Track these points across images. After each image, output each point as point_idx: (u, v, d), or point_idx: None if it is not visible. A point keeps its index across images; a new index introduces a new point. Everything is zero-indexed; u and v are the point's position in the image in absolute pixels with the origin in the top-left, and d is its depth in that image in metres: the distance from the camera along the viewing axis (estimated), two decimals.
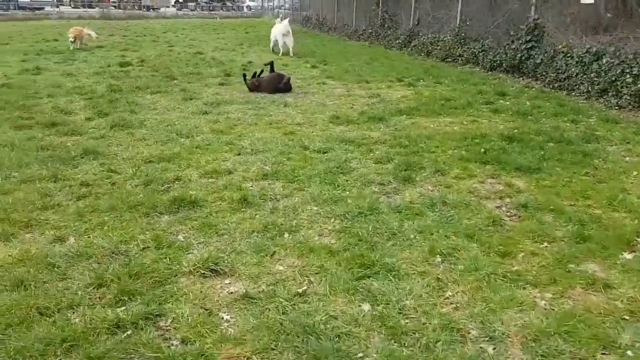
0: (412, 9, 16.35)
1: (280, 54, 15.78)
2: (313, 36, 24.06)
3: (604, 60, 8.13)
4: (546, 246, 3.45)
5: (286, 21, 16.36)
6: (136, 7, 52.37)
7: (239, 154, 5.35)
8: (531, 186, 4.46)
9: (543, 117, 6.95)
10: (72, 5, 53.21)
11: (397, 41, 16.86)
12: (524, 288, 2.97)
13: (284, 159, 5.10)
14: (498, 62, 11.25)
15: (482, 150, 5.24)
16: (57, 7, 45.28)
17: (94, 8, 49.14)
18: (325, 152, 5.38)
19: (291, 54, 15.65)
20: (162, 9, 53.64)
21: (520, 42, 10.39)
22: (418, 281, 2.97)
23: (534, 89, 9.28)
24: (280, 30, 15.93)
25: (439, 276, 3.03)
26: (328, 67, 12.63)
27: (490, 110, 7.41)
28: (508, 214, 3.94)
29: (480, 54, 12.07)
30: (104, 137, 5.95)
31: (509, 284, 2.98)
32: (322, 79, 10.80)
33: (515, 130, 6.17)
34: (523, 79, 10.28)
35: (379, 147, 5.58)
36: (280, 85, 9.00)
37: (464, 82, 9.98)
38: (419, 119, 6.94)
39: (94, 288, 2.85)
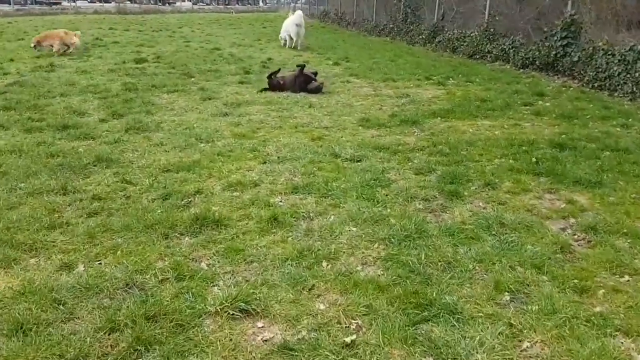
0: (437, 4, 15.75)
1: (293, 46, 15.40)
2: (332, 31, 23.55)
3: None
4: (628, 280, 2.96)
5: (299, 12, 15.96)
6: (152, 2, 52.21)
7: (265, 162, 4.90)
8: (595, 203, 3.95)
9: (590, 121, 6.40)
10: (89, 0, 53.24)
11: (421, 37, 16.30)
12: (614, 336, 2.48)
13: (315, 169, 4.63)
14: (530, 59, 10.67)
15: (534, 159, 4.72)
16: (74, 1, 45.11)
17: (110, 3, 49.08)
18: (358, 161, 4.91)
19: (298, 47, 15.37)
20: (178, 3, 53.40)
21: (556, 38, 9.81)
22: (487, 327, 2.50)
23: (572, 89, 8.71)
24: (293, 20, 15.58)
25: (511, 321, 2.55)
26: (351, 64, 12.13)
27: (531, 112, 6.87)
28: (575, 237, 3.44)
29: (511, 50, 11.49)
30: (119, 142, 5.54)
31: (595, 332, 2.49)
32: (346, 77, 10.31)
33: (563, 136, 5.63)
34: (559, 78, 9.69)
35: (417, 155, 5.09)
36: (309, 87, 8.50)
37: (497, 81, 9.42)
38: (455, 122, 6.43)
39: (105, 333, 2.41)
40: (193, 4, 55.08)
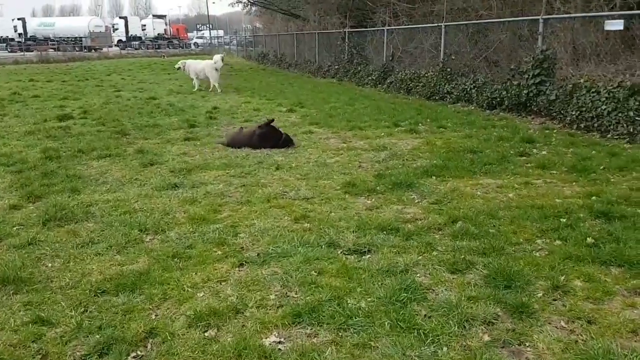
0: (385, 44, 15.16)
1: (211, 90, 14.93)
2: (274, 73, 22.66)
3: None
4: None
5: (218, 56, 15.29)
6: (76, 49, 49.67)
7: (241, 265, 3.60)
8: None
9: (608, 174, 5.55)
10: (9, 50, 49.96)
11: (370, 77, 15.63)
12: None
13: (314, 273, 3.39)
14: (497, 99, 10.03)
15: (588, 239, 3.70)
16: None
17: (32, 51, 46.21)
18: (366, 253, 3.72)
19: (216, 90, 14.89)
20: (105, 49, 51.18)
21: (527, 76, 9.20)
22: None
23: (555, 131, 8.02)
24: (212, 64, 15.12)
25: None
26: (307, 110, 11.10)
27: (534, 165, 5.98)
28: None
29: (473, 90, 10.86)
30: (33, 244, 4.06)
31: None
32: (306, 126, 9.22)
33: (594, 198, 4.70)
34: (534, 119, 9.05)
35: (436, 237, 3.96)
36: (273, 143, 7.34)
37: (471, 126, 8.62)
38: (455, 183, 5.41)
39: None
40: (121, 49, 53.01)
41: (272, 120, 7.81)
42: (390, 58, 14.99)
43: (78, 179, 5.98)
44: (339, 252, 3.73)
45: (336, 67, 18.43)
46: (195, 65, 15.51)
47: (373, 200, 4.99)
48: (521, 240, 3.84)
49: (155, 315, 2.97)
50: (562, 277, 3.20)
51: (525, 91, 9.26)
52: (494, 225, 4.12)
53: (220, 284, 3.33)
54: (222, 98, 13.63)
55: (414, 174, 5.72)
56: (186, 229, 4.36)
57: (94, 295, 3.21)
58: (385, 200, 4.96)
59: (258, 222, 4.41)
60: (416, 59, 15.15)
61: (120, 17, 66.60)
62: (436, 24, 12.78)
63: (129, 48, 54.34)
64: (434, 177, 5.62)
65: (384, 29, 15.27)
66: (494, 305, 2.92)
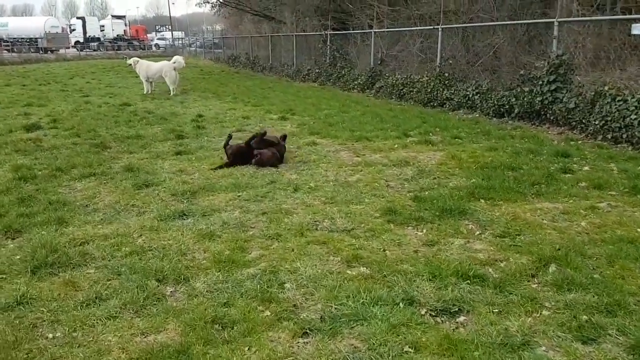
0: (372, 47, 14.51)
1: (173, 93, 14.35)
2: (249, 77, 21.73)
3: None
4: None
5: (179, 57, 14.64)
6: (32, 50, 47.09)
7: (305, 335, 2.81)
8: None
9: None
10: None
11: (356, 82, 14.94)
12: None
13: (409, 350, 2.61)
14: (506, 107, 9.50)
15: None
16: None
17: None
18: (457, 313, 2.98)
19: (172, 93, 14.29)
20: (62, 50, 48.73)
21: (541, 82, 8.69)
22: None
23: (580, 142, 7.52)
24: (169, 64, 14.48)
25: None
26: (300, 118, 10.31)
27: (587, 184, 5.37)
28: None
29: (476, 97, 10.31)
30: (24, 304, 3.14)
31: None
32: (307, 136, 8.44)
33: None
34: (550, 128, 8.55)
35: (534, 287, 3.25)
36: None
37: (487, 136, 8.04)
38: (509, 207, 4.75)
39: None
40: (79, 50, 50.63)
41: (264, 133, 6.99)
42: (379, 62, 14.35)
43: (63, 205, 5.03)
44: (425, 313, 2.98)
45: (317, 70, 17.68)
46: (149, 67, 14.59)
47: (425, 231, 4.26)
48: (637, 289, 3.18)
49: None
50: None
51: (539, 98, 8.75)
52: (593, 268, 3.45)
53: None
54: (204, 104, 12.67)
55: (458, 196, 5.03)
56: (214, 276, 3.52)
57: None
58: (439, 232, 4.24)
59: (301, 266, 3.62)
60: (402, 62, 14.60)
61: (77, 18, 63.73)
62: (432, 27, 12.20)
63: (87, 50, 51.97)
64: (482, 201, 4.95)
65: (371, 32, 14.63)
66: None
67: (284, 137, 7.24)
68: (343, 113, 10.74)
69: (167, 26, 74.72)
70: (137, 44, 61.52)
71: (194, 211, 4.85)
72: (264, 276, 3.49)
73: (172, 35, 63.78)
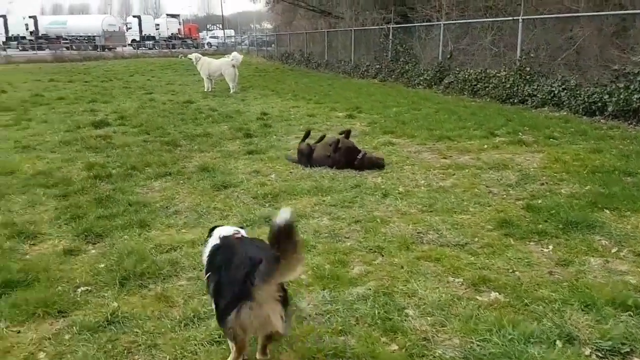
0: (441, 40, 13.82)
1: (209, 90, 14.30)
2: (305, 74, 21.39)
3: None
4: None
5: (237, 54, 14.60)
6: (90, 48, 48.58)
7: None
8: None
9: None
10: (20, 48, 48.96)
11: (422, 78, 14.28)
12: None
13: None
14: (598, 104, 8.69)
15: None
16: (4, 50, 40.98)
17: (44, 50, 45.20)
18: (628, 354, 2.45)
19: (233, 90, 14.02)
20: (119, 49, 50.03)
21: None
22: None
23: None
24: (227, 61, 14.32)
25: None
26: (368, 116, 9.82)
27: None
28: None
29: (562, 93, 9.52)
30: (115, 323, 2.82)
31: None
32: (380, 135, 7.94)
33: None
34: None
35: None
36: (352, 161, 6.04)
37: (584, 136, 7.33)
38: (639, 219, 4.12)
39: None
40: (134, 48, 51.90)
41: (349, 131, 6.57)
42: (449, 56, 13.65)
43: (143, 207, 4.76)
44: (590, 354, 2.45)
45: (377, 66, 17.11)
46: (210, 64, 14.44)
47: (552, 247, 3.70)
48: None
49: None
50: None
51: (637, 96, 7.93)
52: None
53: None
54: (265, 102, 12.38)
55: (578, 206, 4.42)
56: (319, 295, 3.11)
57: None
58: (569, 249, 3.67)
59: (419, 288, 3.14)
60: (472, 56, 13.86)
61: (134, 16, 65.46)
62: (512, 18, 11.42)
63: (143, 48, 53.16)
64: (607, 211, 4.33)
65: (439, 24, 13.94)
66: None
67: (348, 133, 6.67)
68: (414, 110, 10.18)
69: (217, 25, 75.80)
70: (190, 42, 62.57)
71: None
72: (378, 298, 3.04)
73: (224, 33, 64.49)
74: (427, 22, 15.40)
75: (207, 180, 5.61)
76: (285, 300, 2.19)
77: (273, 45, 38.01)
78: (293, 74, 21.83)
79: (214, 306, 2.37)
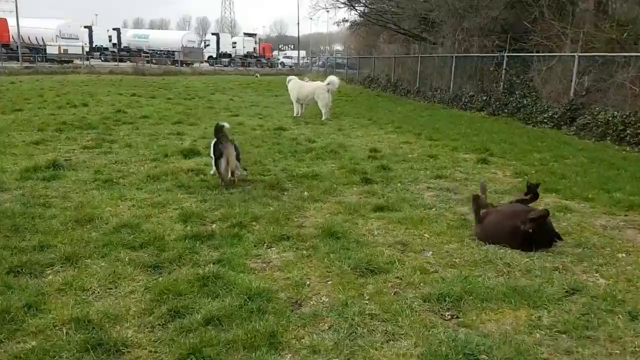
0: (574, 74, 11.81)
1: (298, 116, 13.03)
2: (395, 101, 19.78)
3: None
4: None
5: (334, 77, 13.06)
6: (169, 62, 49.39)
7: None
8: None
9: None
10: (102, 59, 50.49)
11: (545, 115, 12.28)
12: None
13: None
14: None
15: None
16: (87, 60, 42.14)
17: (125, 62, 46.26)
18: None
19: (325, 117, 12.63)
20: (196, 64, 50.61)
21: None
22: None
23: None
24: (322, 85, 12.88)
25: None
26: (505, 162, 8.04)
27: None
28: None
29: None
30: None
31: None
32: (541, 194, 6.11)
33: None
34: None
35: None
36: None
37: None
38: None
39: None
40: (211, 65, 52.37)
41: (538, 185, 4.88)
42: (584, 93, 11.63)
43: (266, 302, 3.25)
44: None
45: (484, 97, 15.23)
46: (301, 88, 13.08)
47: None
48: None
49: None
50: None
51: None
52: None
53: None
54: (367, 133, 10.81)
55: None
56: None
57: None
58: None
59: None
60: (604, 94, 11.80)
61: (212, 34, 66.77)
62: None
63: (219, 65, 53.62)
64: None
65: (574, 55, 11.95)
66: None
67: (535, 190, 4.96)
68: (561, 158, 8.28)
69: (290, 45, 76.15)
70: (265, 61, 62.82)
71: (481, 348, 2.77)
72: None
73: (299, 54, 64.36)
74: (549, 52, 13.44)
75: (341, 254, 4.04)
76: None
77: (345, 67, 36.85)
78: (381, 100, 20.26)
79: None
